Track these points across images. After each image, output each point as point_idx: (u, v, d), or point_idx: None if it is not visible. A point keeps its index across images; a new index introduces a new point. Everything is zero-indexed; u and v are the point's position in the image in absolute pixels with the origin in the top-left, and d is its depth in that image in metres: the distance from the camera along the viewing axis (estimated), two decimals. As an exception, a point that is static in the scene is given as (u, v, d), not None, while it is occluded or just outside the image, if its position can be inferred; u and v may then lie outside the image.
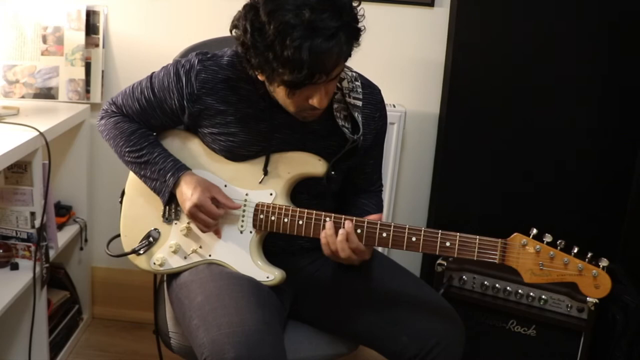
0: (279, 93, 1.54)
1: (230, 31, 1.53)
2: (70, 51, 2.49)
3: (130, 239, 1.80)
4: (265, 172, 1.67)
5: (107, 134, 1.77)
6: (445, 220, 2.51)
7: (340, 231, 1.56)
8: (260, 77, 1.57)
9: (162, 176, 1.69)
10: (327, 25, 1.41)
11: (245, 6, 1.49)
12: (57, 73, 2.51)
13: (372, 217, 1.59)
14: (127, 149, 1.73)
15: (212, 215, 1.64)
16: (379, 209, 1.83)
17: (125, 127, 1.75)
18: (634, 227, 2.44)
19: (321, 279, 1.80)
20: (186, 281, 1.69)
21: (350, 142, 1.65)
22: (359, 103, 1.69)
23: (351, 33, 1.47)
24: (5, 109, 2.24)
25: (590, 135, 2.45)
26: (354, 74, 1.71)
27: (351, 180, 1.81)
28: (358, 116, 1.67)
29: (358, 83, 1.71)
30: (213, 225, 1.67)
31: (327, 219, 1.59)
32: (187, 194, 1.65)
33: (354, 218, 1.57)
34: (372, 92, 1.75)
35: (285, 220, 1.63)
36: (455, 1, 2.41)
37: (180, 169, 1.69)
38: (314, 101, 1.52)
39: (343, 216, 1.59)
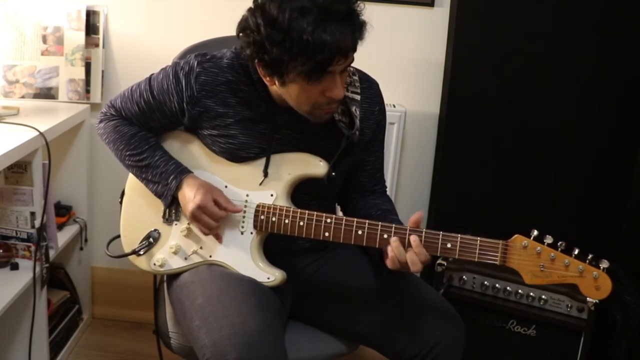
0: (293, 92, 1.53)
1: (237, 35, 1.53)
2: (70, 51, 2.49)
3: (130, 240, 1.80)
4: (266, 174, 1.67)
5: (107, 138, 1.77)
6: (445, 220, 2.51)
7: (413, 244, 1.51)
8: (268, 82, 1.57)
9: (164, 179, 1.69)
10: (340, 7, 1.44)
11: (250, 9, 1.50)
12: (57, 73, 2.51)
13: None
14: (128, 153, 1.72)
15: (214, 217, 1.64)
16: (394, 209, 1.81)
17: (125, 131, 1.74)
18: (634, 228, 2.44)
19: (321, 280, 1.80)
20: (187, 282, 1.69)
21: (346, 138, 1.65)
22: (358, 97, 1.69)
23: (360, 19, 1.50)
24: (5, 109, 2.24)
25: (591, 135, 2.45)
26: (352, 68, 1.71)
27: (354, 180, 1.80)
28: (356, 110, 1.67)
29: (356, 77, 1.71)
30: (214, 228, 1.66)
31: (328, 219, 1.59)
32: (190, 195, 1.64)
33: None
34: (370, 86, 1.75)
35: (286, 221, 1.63)
36: (455, 1, 2.41)
37: (182, 172, 1.69)
38: (333, 92, 1.52)
39: (344, 217, 1.59)
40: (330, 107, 1.58)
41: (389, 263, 1.54)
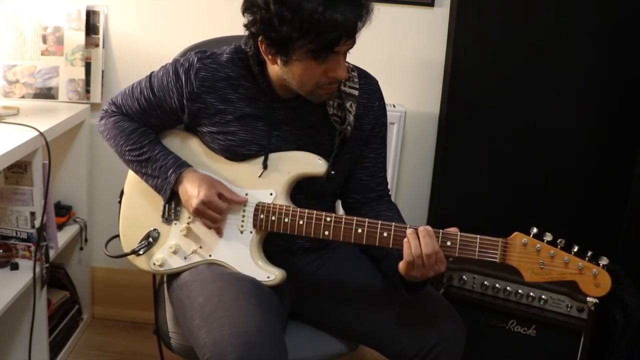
0: (296, 71, 1.54)
1: (243, 13, 1.54)
2: (70, 51, 2.49)
3: (129, 240, 1.80)
4: (265, 167, 1.67)
5: (107, 134, 1.77)
6: (445, 220, 2.49)
7: (420, 228, 1.52)
8: (271, 61, 1.57)
9: (164, 173, 1.69)
10: None
11: None
12: (57, 73, 2.51)
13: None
14: (128, 148, 1.72)
15: (219, 210, 1.64)
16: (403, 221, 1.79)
17: (125, 126, 1.75)
18: (634, 227, 2.44)
19: (321, 279, 1.80)
20: (187, 281, 1.69)
21: (338, 133, 1.65)
22: (355, 92, 1.69)
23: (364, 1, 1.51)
24: (5, 109, 2.24)
25: (590, 135, 2.45)
26: (351, 65, 1.71)
27: (355, 178, 1.79)
28: (351, 106, 1.67)
29: (354, 73, 1.71)
30: (219, 220, 1.66)
31: (328, 218, 1.59)
32: (193, 191, 1.64)
33: (379, 222, 1.56)
34: (369, 82, 1.75)
35: (286, 220, 1.63)
36: (455, 1, 2.42)
37: (181, 165, 1.69)
38: (337, 73, 1.53)
39: (344, 216, 1.59)
40: (332, 87, 1.59)
41: (405, 257, 1.51)
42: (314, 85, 1.56)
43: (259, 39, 1.54)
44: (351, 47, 1.53)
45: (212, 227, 1.68)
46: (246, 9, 1.53)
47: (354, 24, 1.48)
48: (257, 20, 1.50)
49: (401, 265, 1.53)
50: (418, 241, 1.51)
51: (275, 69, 1.60)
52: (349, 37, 1.49)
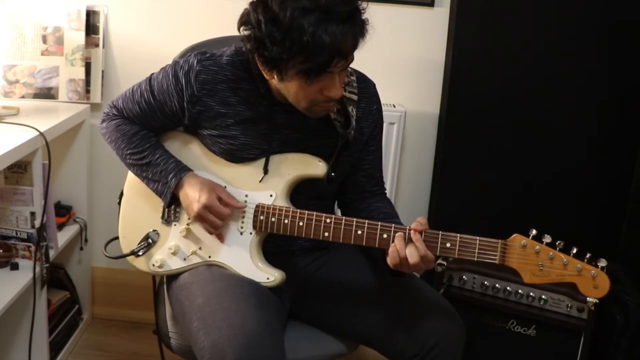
0: (292, 88, 1.53)
1: (238, 29, 1.53)
2: (70, 51, 2.49)
3: (128, 241, 1.80)
4: (266, 171, 1.67)
5: (109, 137, 1.77)
6: (445, 220, 2.51)
7: (412, 232, 1.52)
8: (268, 76, 1.57)
9: (164, 177, 1.68)
10: (342, 9, 1.43)
11: (251, 3, 1.49)
12: (57, 73, 2.51)
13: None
14: (129, 151, 1.72)
15: (220, 215, 1.64)
16: (396, 213, 1.81)
17: (126, 130, 1.74)
18: (634, 227, 2.44)
19: (321, 279, 1.80)
20: (186, 282, 1.69)
21: (341, 137, 1.65)
22: (355, 97, 1.69)
23: (362, 19, 1.49)
24: (5, 109, 2.24)
25: (590, 136, 2.45)
26: (349, 69, 1.71)
27: (352, 180, 1.80)
28: (353, 110, 1.67)
29: (353, 77, 1.71)
30: (220, 226, 1.66)
31: (328, 219, 1.59)
32: (194, 196, 1.64)
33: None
34: (367, 86, 1.75)
35: (286, 221, 1.63)
36: (455, 1, 2.41)
37: (182, 170, 1.69)
38: (330, 92, 1.52)
39: (344, 217, 1.59)
40: (328, 105, 1.58)
41: (389, 259, 1.53)
42: (309, 103, 1.56)
43: (255, 55, 1.54)
44: (346, 66, 1.51)
45: (213, 233, 1.68)
46: (242, 24, 1.52)
47: (345, 46, 1.45)
48: (251, 38, 1.50)
49: (388, 260, 1.54)
50: (404, 243, 1.51)
51: (273, 82, 1.59)
52: (341, 58, 1.47)
